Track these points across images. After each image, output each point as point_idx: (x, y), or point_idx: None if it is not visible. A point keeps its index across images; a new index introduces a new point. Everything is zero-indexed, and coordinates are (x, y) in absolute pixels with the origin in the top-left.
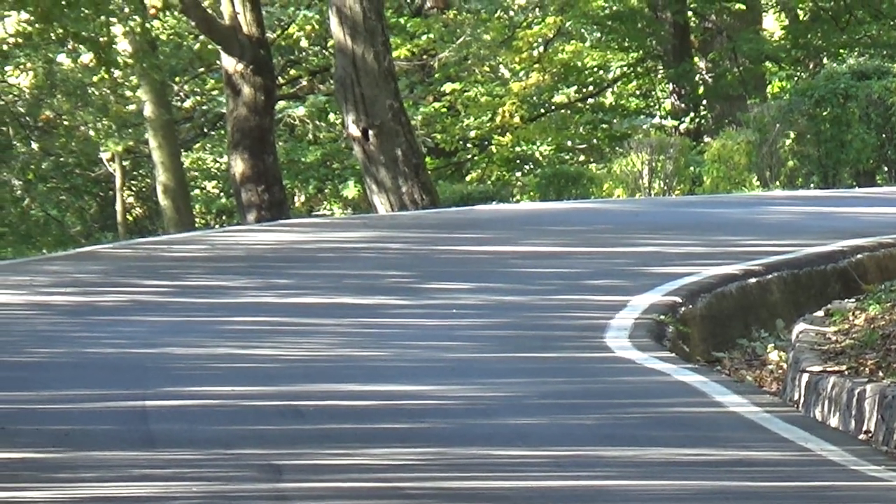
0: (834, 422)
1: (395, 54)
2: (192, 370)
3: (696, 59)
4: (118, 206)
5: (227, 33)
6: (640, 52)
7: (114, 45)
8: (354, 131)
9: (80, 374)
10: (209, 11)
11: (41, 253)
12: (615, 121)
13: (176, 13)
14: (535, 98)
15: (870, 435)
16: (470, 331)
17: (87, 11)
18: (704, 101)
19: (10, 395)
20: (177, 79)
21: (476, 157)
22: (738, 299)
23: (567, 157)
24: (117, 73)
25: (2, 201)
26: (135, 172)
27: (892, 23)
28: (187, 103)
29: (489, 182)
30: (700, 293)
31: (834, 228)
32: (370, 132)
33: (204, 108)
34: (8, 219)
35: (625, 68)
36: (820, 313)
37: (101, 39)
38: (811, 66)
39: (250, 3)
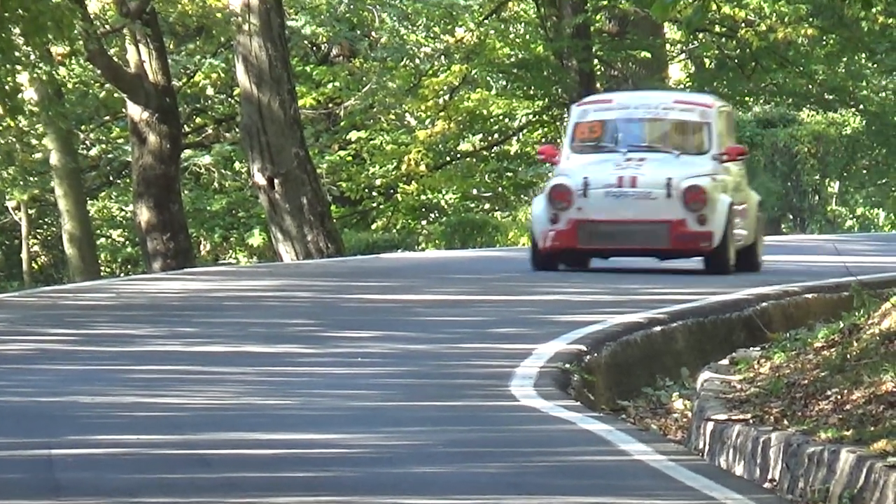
0: (739, 470)
1: (301, 102)
2: (99, 419)
3: None
4: (24, 255)
5: (133, 81)
6: (546, 99)
7: (20, 93)
8: (260, 180)
9: None
10: (115, 59)
11: None
12: (521, 169)
13: (82, 61)
14: (440, 146)
15: (774, 483)
16: (375, 379)
17: None
18: None
19: None
20: (83, 127)
21: (381, 206)
22: (643, 347)
23: (472, 206)
24: (23, 121)
25: None
26: (40, 220)
27: (797, 70)
28: (93, 151)
29: (395, 230)
30: (605, 341)
31: (739, 277)
32: (276, 181)
33: (110, 156)
34: None
35: (530, 116)
36: (725, 361)
37: (6, 87)
38: None
39: (156, 52)
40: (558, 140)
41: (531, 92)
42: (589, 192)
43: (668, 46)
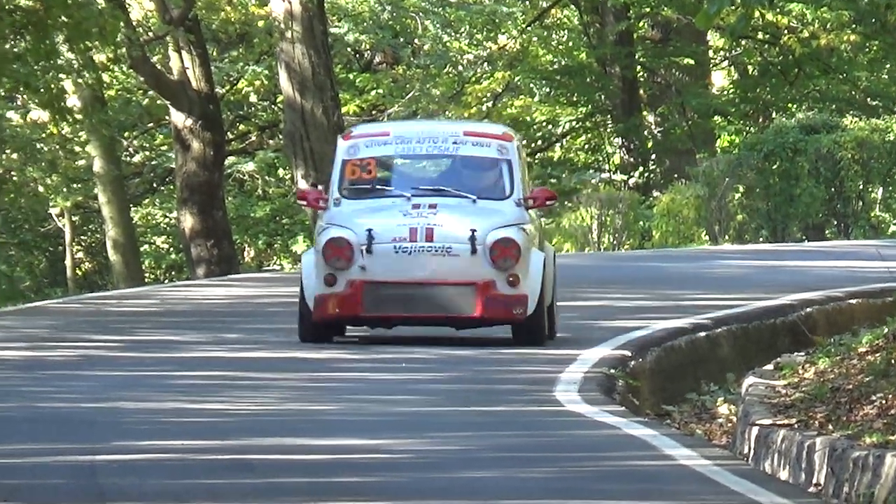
0: (784, 475)
1: (344, 109)
2: (142, 424)
3: (644, 113)
4: (68, 262)
5: (177, 88)
6: (589, 106)
7: (65, 100)
8: (304, 186)
9: (31, 428)
10: (158, 67)
11: None
12: (564, 175)
13: (125, 68)
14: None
15: (819, 488)
16: (420, 384)
17: (35, 66)
18: (653, 156)
19: None
20: (126, 134)
21: None
22: (687, 353)
23: None
24: (66, 129)
25: None
26: (84, 227)
27: (840, 77)
28: (136, 158)
29: None
30: (650, 347)
31: (783, 282)
32: (319, 187)
33: (153, 163)
34: None
35: (573, 123)
36: (769, 367)
37: (52, 91)
38: (760, 120)
39: (199, 59)
40: (601, 146)
41: (574, 98)
42: (374, 247)
43: (710, 53)
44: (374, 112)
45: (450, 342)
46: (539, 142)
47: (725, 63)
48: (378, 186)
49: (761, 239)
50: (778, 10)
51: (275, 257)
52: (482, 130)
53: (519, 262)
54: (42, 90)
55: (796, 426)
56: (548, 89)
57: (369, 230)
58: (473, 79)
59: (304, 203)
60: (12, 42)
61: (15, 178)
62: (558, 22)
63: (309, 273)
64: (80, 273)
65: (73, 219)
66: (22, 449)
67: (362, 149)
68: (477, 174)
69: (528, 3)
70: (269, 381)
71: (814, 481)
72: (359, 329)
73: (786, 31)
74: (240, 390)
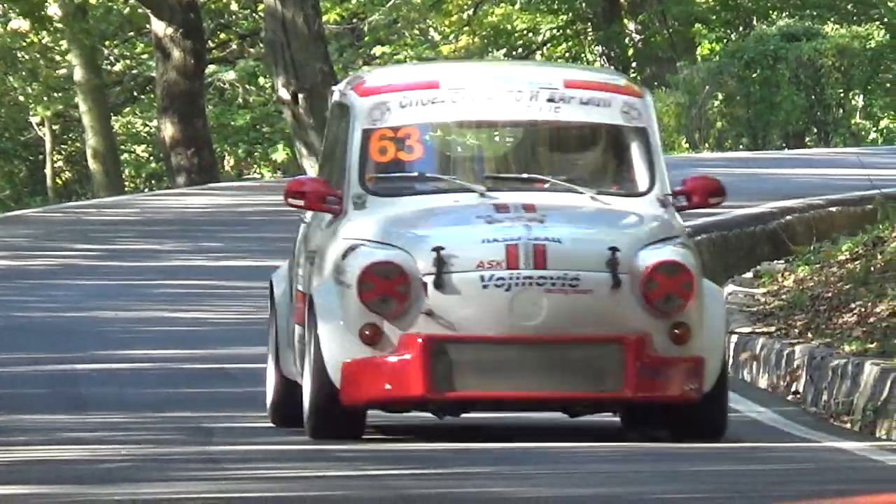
0: (762, 382)
1: (325, 18)
2: (122, 333)
3: (625, 21)
4: (48, 170)
5: None
6: (570, 14)
7: (45, 8)
8: (284, 95)
9: (11, 337)
10: None
11: None
12: None
13: None
14: (465, 61)
15: (798, 396)
16: None
17: None
18: (634, 64)
19: None
20: (106, 43)
21: None
22: None
23: None
24: (47, 37)
25: None
26: (64, 136)
27: None
28: (117, 67)
29: None
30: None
31: (763, 190)
32: (300, 96)
33: (134, 72)
34: None
35: (554, 31)
36: (749, 275)
37: (31, 1)
38: (741, 27)
39: None
40: (582, 54)
41: (555, 6)
42: (448, 278)
43: None
44: (354, 20)
45: None
46: (520, 50)
47: None
48: (427, 174)
49: (741, 146)
50: None
51: (255, 166)
52: (595, 80)
53: (691, 302)
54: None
55: (776, 334)
56: None
57: (438, 249)
58: None
59: (299, 202)
60: None
61: None
62: None
63: (328, 322)
64: (60, 182)
65: (54, 128)
66: (2, 358)
67: (395, 110)
68: (590, 153)
69: None
70: (249, 290)
71: (793, 389)
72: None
73: None
74: (220, 299)
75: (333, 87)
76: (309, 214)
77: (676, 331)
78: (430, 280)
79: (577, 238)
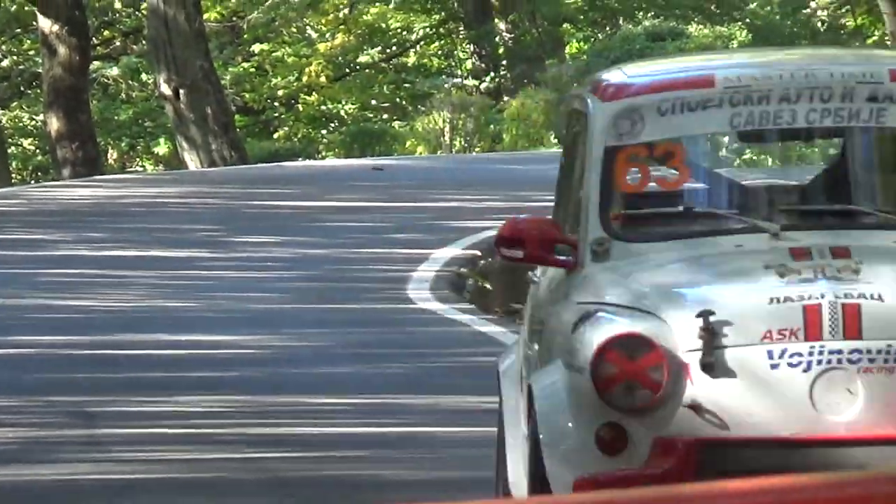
0: None
1: (205, 16)
2: (10, 320)
3: (496, 20)
4: None
5: None
6: (443, 13)
7: None
8: (166, 90)
9: None
10: None
11: None
12: (418, 80)
13: None
14: (340, 59)
15: None
16: (278, 283)
17: None
18: (504, 62)
19: None
20: None
21: (283, 116)
22: None
23: (371, 116)
24: None
25: None
26: None
27: None
28: (5, 63)
29: (296, 139)
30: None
31: None
32: (181, 91)
33: (21, 67)
34: None
35: (427, 30)
36: None
37: None
38: (608, 27)
39: None
40: (454, 52)
41: (428, 6)
42: (721, 355)
43: None
44: (234, 18)
45: (306, 244)
46: (394, 48)
47: None
48: (699, 210)
49: None
50: None
51: (137, 159)
52: None
53: None
54: None
55: None
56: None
57: (706, 315)
58: None
59: (517, 253)
60: None
61: None
62: None
63: (552, 422)
64: None
65: None
66: None
67: (652, 119)
68: None
69: None
70: (131, 279)
71: None
72: None
73: None
74: (103, 287)
75: (572, 93)
76: (539, 271)
77: None
78: (695, 359)
79: None
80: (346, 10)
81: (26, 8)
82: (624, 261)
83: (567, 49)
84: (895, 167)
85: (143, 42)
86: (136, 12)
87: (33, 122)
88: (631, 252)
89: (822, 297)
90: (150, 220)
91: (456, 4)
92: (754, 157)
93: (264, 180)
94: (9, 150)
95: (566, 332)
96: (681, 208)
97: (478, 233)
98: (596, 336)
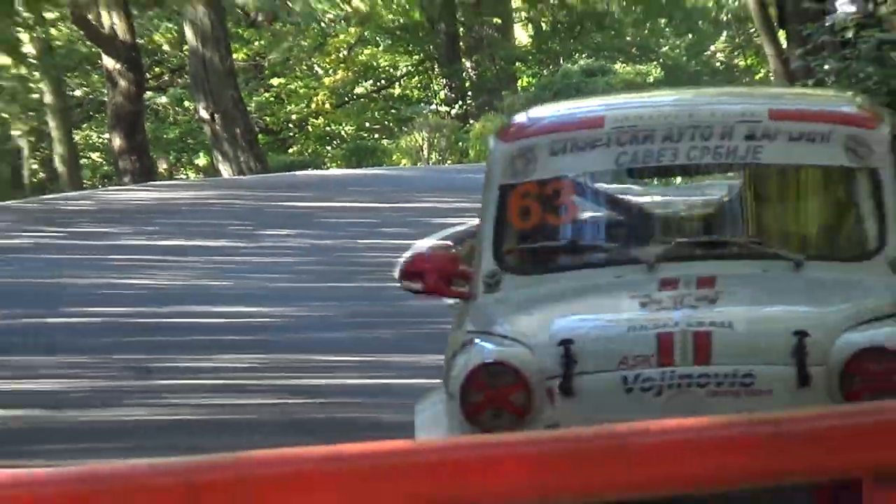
0: None
1: (235, 56)
2: (82, 295)
3: (464, 60)
4: (25, 172)
5: (108, 40)
6: (422, 55)
7: (21, 47)
8: (204, 115)
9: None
10: (94, 23)
11: None
12: (402, 107)
13: (69, 24)
14: (341, 90)
15: None
16: (292, 266)
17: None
18: (470, 93)
19: None
20: (69, 74)
21: (297, 135)
22: None
23: (366, 135)
24: (24, 70)
25: None
26: (38, 145)
27: (612, 32)
28: (78, 93)
29: (307, 154)
30: (467, 238)
31: None
32: (216, 116)
33: (90, 96)
34: None
35: (409, 67)
36: None
37: (11, 42)
38: (551, 66)
39: (125, 16)
40: (430, 85)
41: (410, 48)
42: (579, 380)
43: (513, 14)
44: (257, 58)
45: (315, 235)
46: (383, 81)
47: (525, 21)
48: (584, 243)
49: None
50: None
51: (182, 169)
52: (812, 108)
53: None
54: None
55: None
56: (390, 41)
57: (566, 343)
58: (334, 33)
59: (416, 285)
60: None
61: None
62: None
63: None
64: (35, 181)
65: (30, 139)
66: None
67: (544, 159)
68: (803, 205)
69: None
70: (178, 263)
71: None
72: None
73: None
74: (156, 269)
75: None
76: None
77: None
78: (555, 385)
79: (754, 321)
80: (346, 52)
81: (94, 49)
82: (512, 292)
83: (519, 83)
84: (770, 201)
85: (186, 76)
86: (181, 53)
87: (100, 140)
88: (519, 284)
89: (676, 325)
90: (193, 217)
91: (432, 47)
92: (643, 193)
93: (282, 186)
94: (81, 162)
95: (448, 360)
96: (568, 242)
97: (449, 228)
98: (466, 364)
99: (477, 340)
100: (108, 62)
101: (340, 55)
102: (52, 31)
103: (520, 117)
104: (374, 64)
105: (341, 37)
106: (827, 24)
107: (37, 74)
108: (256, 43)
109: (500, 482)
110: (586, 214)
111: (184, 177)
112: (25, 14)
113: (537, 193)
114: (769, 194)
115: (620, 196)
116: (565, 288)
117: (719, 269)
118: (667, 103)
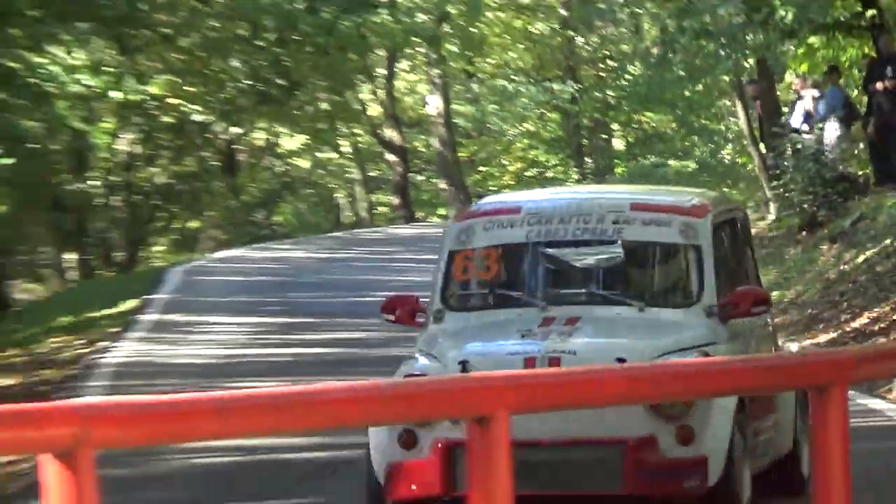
0: None
1: (458, 154)
2: (382, 285)
3: (586, 158)
4: (342, 216)
5: (388, 143)
6: (563, 154)
7: (339, 147)
8: (443, 187)
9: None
10: (381, 133)
11: None
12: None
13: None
14: (519, 174)
15: None
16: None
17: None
18: (590, 176)
19: None
20: (368, 163)
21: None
22: None
23: None
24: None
25: None
26: (349, 202)
27: (668, 142)
28: (373, 173)
29: None
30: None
31: None
32: (450, 188)
33: (382, 174)
34: None
35: (556, 161)
36: None
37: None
38: (635, 161)
39: (399, 132)
40: (566, 179)
41: (556, 151)
42: None
43: (613, 132)
44: (471, 157)
45: None
46: (542, 169)
47: (621, 135)
48: (500, 291)
49: None
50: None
51: (426, 217)
52: (659, 202)
53: (695, 406)
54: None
55: None
56: (546, 146)
57: (463, 363)
58: (515, 141)
59: (391, 318)
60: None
61: None
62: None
63: (375, 431)
64: (347, 223)
65: (348, 199)
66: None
67: (479, 233)
68: (649, 268)
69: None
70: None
71: None
72: None
73: None
74: (411, 273)
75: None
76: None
77: (681, 433)
78: None
79: (592, 349)
80: (521, 151)
81: (380, 150)
82: (451, 324)
83: (616, 171)
84: (629, 265)
85: (433, 165)
86: (428, 151)
87: (386, 199)
88: (456, 318)
89: (538, 351)
90: (435, 242)
91: (569, 150)
92: (542, 259)
93: None
94: (373, 211)
95: (400, 367)
96: (488, 290)
97: None
98: (402, 371)
99: (417, 356)
100: (390, 157)
101: (519, 153)
102: (359, 138)
103: (471, 205)
104: (537, 158)
105: (517, 144)
106: (786, 140)
107: (352, 162)
108: (472, 147)
109: None
110: (504, 271)
111: (429, 220)
112: (344, 129)
113: (473, 256)
114: (629, 260)
115: (528, 258)
116: (478, 322)
117: (585, 312)
118: (564, 198)
